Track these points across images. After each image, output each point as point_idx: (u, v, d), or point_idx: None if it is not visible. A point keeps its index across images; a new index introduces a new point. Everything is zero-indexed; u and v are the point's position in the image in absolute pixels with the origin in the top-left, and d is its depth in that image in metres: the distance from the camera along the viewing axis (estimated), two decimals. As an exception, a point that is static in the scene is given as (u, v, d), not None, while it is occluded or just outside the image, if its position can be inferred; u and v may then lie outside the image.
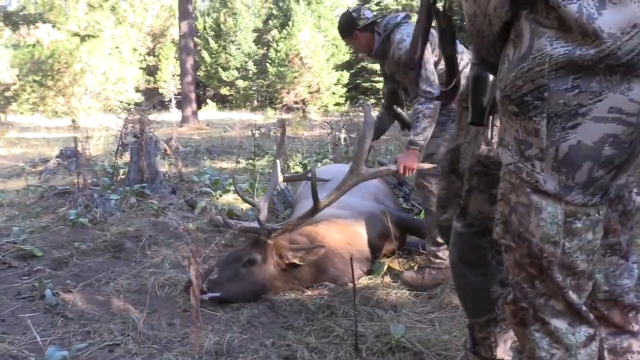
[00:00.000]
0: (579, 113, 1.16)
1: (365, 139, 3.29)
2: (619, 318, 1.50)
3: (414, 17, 2.66)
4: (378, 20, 3.61)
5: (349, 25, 3.63)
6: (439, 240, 3.43)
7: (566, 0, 1.13)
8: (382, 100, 4.11)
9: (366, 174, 3.32)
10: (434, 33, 3.37)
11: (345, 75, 31.24)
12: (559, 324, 1.30)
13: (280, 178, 3.98)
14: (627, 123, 1.15)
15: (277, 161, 4.01)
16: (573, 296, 1.28)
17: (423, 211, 3.79)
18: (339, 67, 31.69)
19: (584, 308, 1.30)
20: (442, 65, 3.18)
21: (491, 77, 1.50)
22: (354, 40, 3.68)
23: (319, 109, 29.03)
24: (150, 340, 2.64)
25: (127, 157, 6.86)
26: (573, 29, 1.14)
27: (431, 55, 3.32)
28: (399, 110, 3.78)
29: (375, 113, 4.54)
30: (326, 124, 13.59)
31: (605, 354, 1.48)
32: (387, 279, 3.49)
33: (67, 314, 2.91)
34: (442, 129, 3.47)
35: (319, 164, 7.21)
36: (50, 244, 4.18)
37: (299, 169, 7.18)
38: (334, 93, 30.56)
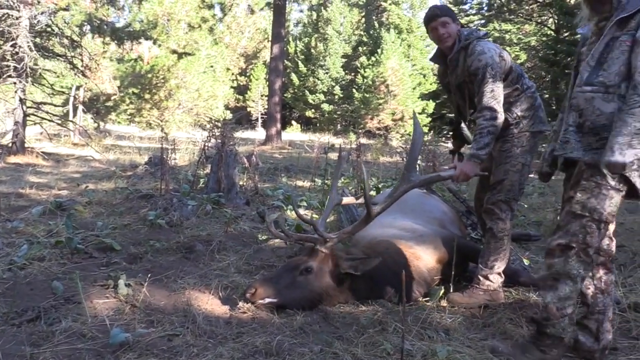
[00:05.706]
0: None
1: (415, 147, 3.35)
2: (609, 265, 2.61)
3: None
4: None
5: (453, 12, 3.55)
6: (495, 265, 3.46)
7: None
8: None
9: (417, 180, 3.36)
10: (505, 56, 3.38)
11: (431, 105, 31.04)
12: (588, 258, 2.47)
13: (340, 200, 4.03)
14: None
15: (335, 182, 4.04)
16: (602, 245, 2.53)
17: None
18: (425, 97, 31.52)
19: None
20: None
21: None
22: (450, 28, 3.43)
23: (401, 136, 28.91)
24: (206, 335, 2.80)
25: (209, 168, 7.21)
26: None
27: (502, 75, 3.33)
28: (463, 127, 3.77)
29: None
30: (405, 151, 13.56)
31: (603, 284, 2.60)
32: (444, 303, 3.48)
33: (135, 303, 3.13)
34: (508, 155, 3.44)
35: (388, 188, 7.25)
36: (129, 240, 4.49)
37: (372, 193, 7.25)
38: (417, 122, 30.35)
